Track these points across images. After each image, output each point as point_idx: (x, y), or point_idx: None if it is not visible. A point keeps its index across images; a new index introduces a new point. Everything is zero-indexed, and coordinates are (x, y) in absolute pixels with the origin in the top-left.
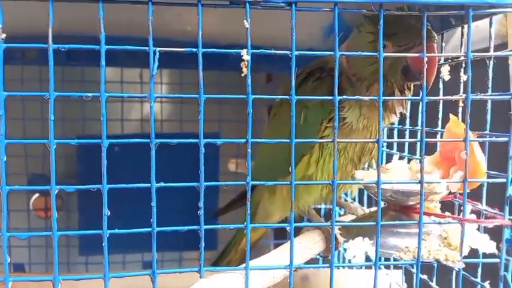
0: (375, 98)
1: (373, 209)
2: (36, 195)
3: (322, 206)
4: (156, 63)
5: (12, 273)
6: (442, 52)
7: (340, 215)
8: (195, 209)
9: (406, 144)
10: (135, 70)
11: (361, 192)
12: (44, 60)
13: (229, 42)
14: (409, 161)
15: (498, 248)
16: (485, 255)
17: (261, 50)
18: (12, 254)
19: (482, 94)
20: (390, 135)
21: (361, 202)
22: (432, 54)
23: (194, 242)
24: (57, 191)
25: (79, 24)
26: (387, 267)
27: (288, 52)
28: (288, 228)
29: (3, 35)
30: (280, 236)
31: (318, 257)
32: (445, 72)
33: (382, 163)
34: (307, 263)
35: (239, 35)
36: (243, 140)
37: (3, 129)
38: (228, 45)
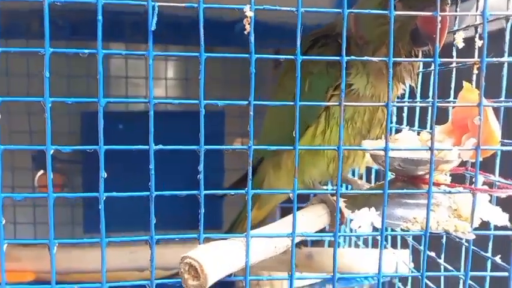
0: (385, 59)
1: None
2: (41, 172)
3: (329, 187)
4: (155, 19)
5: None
6: (456, 19)
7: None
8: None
9: (416, 119)
10: (139, 46)
11: (368, 171)
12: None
13: (236, 18)
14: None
15: (511, 220)
16: (496, 228)
17: (264, 6)
18: (18, 232)
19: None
20: (400, 111)
21: (368, 181)
22: (445, 13)
23: (196, 222)
24: (61, 167)
25: None
26: (394, 246)
27: (294, 9)
28: (291, 195)
29: None
30: (287, 215)
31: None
32: (459, 39)
33: (391, 134)
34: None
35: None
36: (245, 102)
37: None
38: (234, 20)
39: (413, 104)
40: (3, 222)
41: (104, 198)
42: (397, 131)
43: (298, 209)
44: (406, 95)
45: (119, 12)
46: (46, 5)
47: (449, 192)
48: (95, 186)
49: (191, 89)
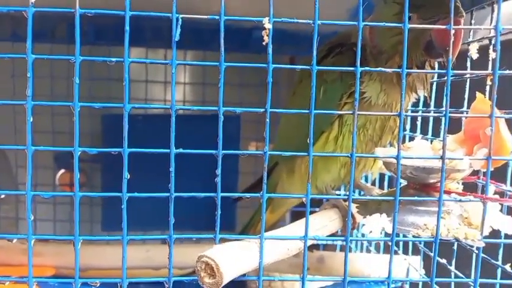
0: (398, 70)
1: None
2: (62, 171)
3: (342, 192)
4: (179, 30)
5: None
6: (470, 30)
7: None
8: (214, 190)
9: (430, 127)
10: (159, 51)
11: (381, 177)
12: (72, 39)
13: (254, 25)
14: (432, 142)
15: None
16: (507, 237)
17: (283, 19)
18: (38, 228)
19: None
20: (414, 119)
21: (381, 187)
22: (459, 27)
23: (212, 222)
24: (82, 166)
25: (106, 3)
26: (405, 252)
27: (311, 21)
28: (304, 199)
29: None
30: (298, 219)
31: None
32: (474, 51)
33: (404, 142)
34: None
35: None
36: (262, 110)
37: (30, 91)
38: (252, 27)
39: (426, 114)
40: (32, 218)
41: (127, 198)
42: (411, 138)
43: (311, 213)
44: (421, 103)
45: (139, 17)
46: (77, 16)
47: (460, 201)
48: (113, 184)
49: (208, 92)
